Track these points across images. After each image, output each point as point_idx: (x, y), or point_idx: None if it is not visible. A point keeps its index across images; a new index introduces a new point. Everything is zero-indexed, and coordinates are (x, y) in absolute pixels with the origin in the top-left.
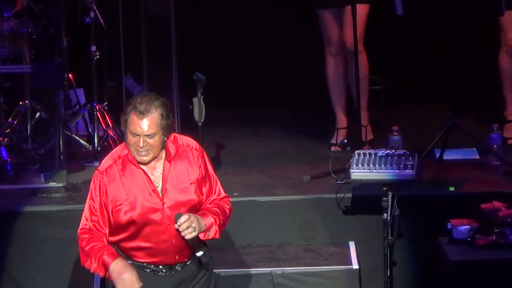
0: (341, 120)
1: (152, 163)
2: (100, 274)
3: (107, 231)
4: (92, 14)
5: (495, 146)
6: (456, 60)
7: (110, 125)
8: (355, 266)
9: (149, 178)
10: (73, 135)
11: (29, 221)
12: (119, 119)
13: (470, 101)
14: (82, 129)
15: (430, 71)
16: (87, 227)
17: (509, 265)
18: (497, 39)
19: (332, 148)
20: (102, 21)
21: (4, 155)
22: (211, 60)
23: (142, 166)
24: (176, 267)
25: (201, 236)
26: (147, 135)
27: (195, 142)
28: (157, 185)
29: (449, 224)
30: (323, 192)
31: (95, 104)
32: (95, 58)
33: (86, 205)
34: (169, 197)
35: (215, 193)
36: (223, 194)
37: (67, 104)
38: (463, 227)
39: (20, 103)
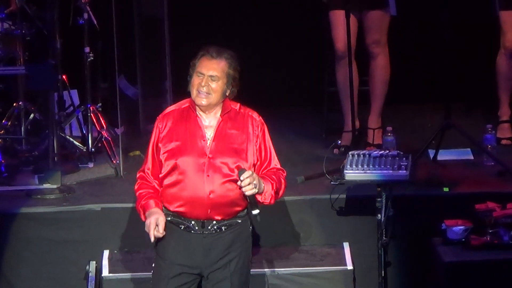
0: (347, 123)
1: (211, 114)
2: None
3: (155, 183)
4: (85, 16)
5: (489, 146)
6: (450, 61)
7: (104, 126)
8: (349, 266)
9: (202, 127)
10: (67, 137)
11: (23, 222)
12: (113, 121)
13: (464, 101)
14: (76, 130)
15: (424, 71)
16: (143, 173)
17: (503, 266)
18: (496, 40)
19: (335, 150)
20: (95, 22)
21: None
22: None
23: (200, 113)
24: (209, 227)
25: (258, 197)
26: (211, 76)
27: (258, 114)
28: (208, 136)
29: (443, 224)
30: (317, 193)
31: (89, 106)
32: (89, 60)
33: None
34: (215, 151)
35: (271, 164)
36: (279, 166)
37: (61, 105)
38: (457, 228)
39: (14, 104)
